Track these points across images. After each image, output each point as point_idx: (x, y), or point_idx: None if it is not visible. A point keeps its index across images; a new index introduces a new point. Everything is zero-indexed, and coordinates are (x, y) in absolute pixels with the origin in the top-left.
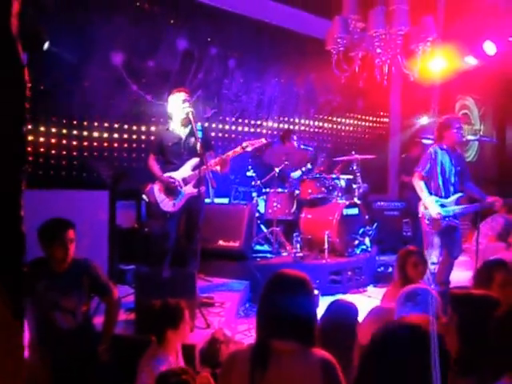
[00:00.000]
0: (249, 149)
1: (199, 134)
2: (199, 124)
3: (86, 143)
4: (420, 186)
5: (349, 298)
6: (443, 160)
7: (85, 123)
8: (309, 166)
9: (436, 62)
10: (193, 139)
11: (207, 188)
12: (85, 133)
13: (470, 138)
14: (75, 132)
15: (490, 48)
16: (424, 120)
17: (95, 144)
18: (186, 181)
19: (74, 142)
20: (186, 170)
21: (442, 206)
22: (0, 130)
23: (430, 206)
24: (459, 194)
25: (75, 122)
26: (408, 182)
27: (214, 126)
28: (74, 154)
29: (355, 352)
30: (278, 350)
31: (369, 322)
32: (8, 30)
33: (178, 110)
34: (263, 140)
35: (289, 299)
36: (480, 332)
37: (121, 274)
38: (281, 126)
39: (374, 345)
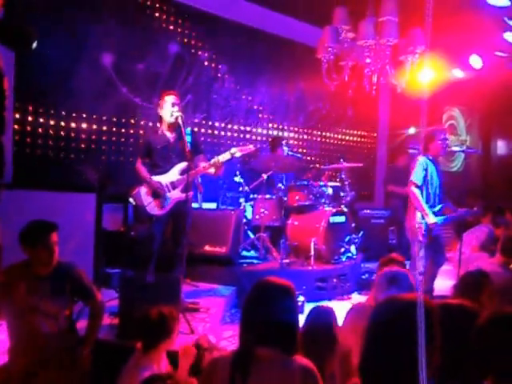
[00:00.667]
0: (237, 155)
1: (188, 139)
2: (188, 128)
3: (73, 144)
4: (416, 194)
5: (334, 304)
6: (432, 171)
7: (72, 124)
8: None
9: (424, 74)
10: (181, 143)
11: (195, 193)
12: (72, 134)
13: (455, 149)
14: (62, 133)
15: (476, 62)
16: (411, 130)
17: (82, 146)
18: (174, 185)
19: (62, 144)
20: (174, 174)
21: (435, 215)
22: None
23: (428, 214)
24: (441, 205)
25: (63, 124)
26: (394, 191)
27: (203, 130)
28: (61, 155)
29: (336, 357)
30: (259, 357)
31: (349, 320)
32: None
33: (167, 114)
34: (251, 147)
35: (272, 307)
36: (459, 341)
37: (106, 278)
38: (270, 132)
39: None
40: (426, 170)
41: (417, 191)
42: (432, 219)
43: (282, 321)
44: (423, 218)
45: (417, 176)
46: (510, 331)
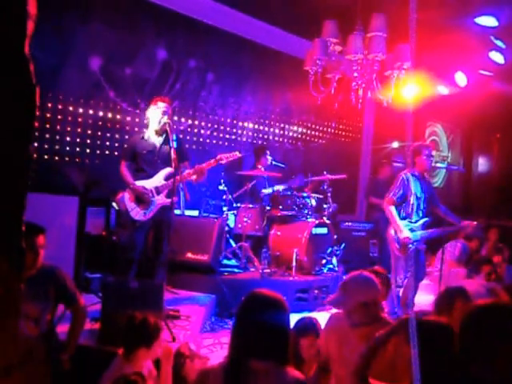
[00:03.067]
0: (223, 162)
1: (174, 145)
2: (174, 135)
3: (57, 147)
4: (391, 211)
5: (315, 315)
6: (415, 186)
7: (58, 127)
8: (280, 187)
9: (409, 89)
10: (167, 148)
11: (179, 199)
12: (57, 136)
13: (439, 165)
14: (47, 135)
15: (461, 79)
16: (395, 144)
17: (67, 148)
18: (158, 190)
19: (46, 146)
20: (158, 179)
21: (412, 230)
22: (9, 147)
23: (401, 230)
24: (426, 219)
25: (48, 126)
26: (376, 203)
27: (188, 138)
28: (45, 157)
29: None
30: (251, 370)
31: (329, 327)
32: (23, 51)
33: (155, 119)
34: (237, 153)
35: (264, 319)
36: (436, 356)
37: (86, 282)
38: (255, 142)
39: None
40: (406, 186)
41: (391, 208)
42: (405, 234)
43: (273, 333)
44: (396, 232)
45: (394, 193)
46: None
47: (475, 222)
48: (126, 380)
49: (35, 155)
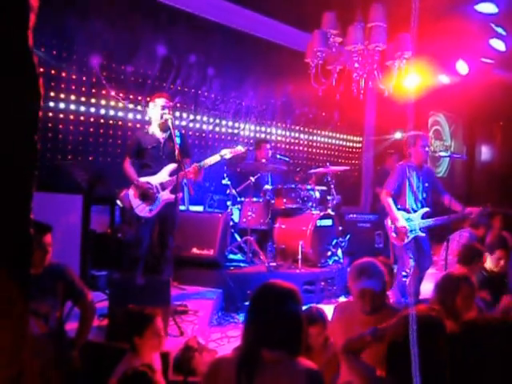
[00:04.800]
0: (227, 156)
1: (177, 140)
2: (177, 131)
3: (60, 146)
4: (388, 202)
5: (322, 307)
6: (411, 177)
7: (60, 126)
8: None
9: (410, 79)
10: (171, 144)
11: (183, 195)
12: (59, 135)
13: (442, 154)
14: (50, 134)
15: (462, 68)
16: (398, 135)
17: (69, 147)
18: (163, 186)
19: (48, 145)
20: (163, 176)
21: (408, 220)
22: (14, 138)
23: (397, 219)
24: (425, 209)
25: (50, 125)
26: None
27: (190, 133)
28: (48, 156)
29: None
30: (264, 359)
31: (336, 317)
32: (26, 42)
33: (157, 115)
34: (241, 148)
35: (278, 309)
36: (426, 349)
37: (93, 280)
38: (257, 135)
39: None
40: (402, 176)
41: (388, 198)
42: (401, 223)
43: (287, 323)
44: (392, 222)
45: (390, 184)
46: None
47: (479, 208)
48: (135, 371)
49: (38, 155)
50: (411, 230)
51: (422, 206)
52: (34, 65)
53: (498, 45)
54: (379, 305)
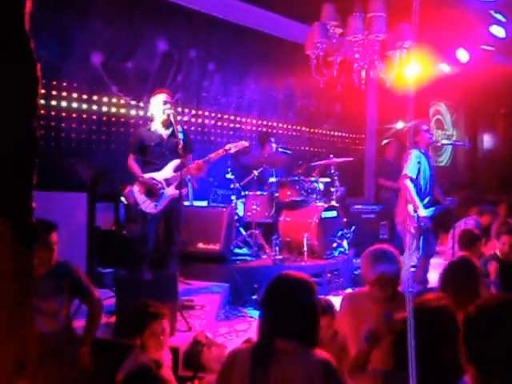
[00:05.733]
0: (232, 151)
1: (180, 136)
2: (179, 127)
3: (63, 144)
4: (410, 188)
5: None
6: (424, 163)
7: (63, 125)
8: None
9: (411, 69)
10: (175, 140)
11: (187, 190)
12: (62, 134)
13: (445, 142)
14: (53, 133)
15: (462, 56)
16: (400, 125)
17: (73, 145)
18: (168, 182)
19: (52, 143)
20: (167, 171)
21: (425, 207)
22: (14, 124)
23: (420, 208)
24: (429, 197)
25: (53, 123)
26: (384, 184)
27: (193, 128)
28: (52, 155)
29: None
30: (280, 350)
31: (344, 308)
32: (22, 28)
33: (159, 111)
34: (245, 143)
35: (293, 300)
36: (435, 339)
37: (99, 277)
38: (260, 129)
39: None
40: (419, 162)
41: (410, 184)
42: (423, 212)
43: (302, 314)
44: (415, 210)
45: (411, 169)
46: (494, 321)
47: (455, 197)
48: (140, 367)
49: (41, 154)
50: (427, 218)
51: (428, 194)
52: (32, 50)
53: (498, 31)
54: (394, 292)
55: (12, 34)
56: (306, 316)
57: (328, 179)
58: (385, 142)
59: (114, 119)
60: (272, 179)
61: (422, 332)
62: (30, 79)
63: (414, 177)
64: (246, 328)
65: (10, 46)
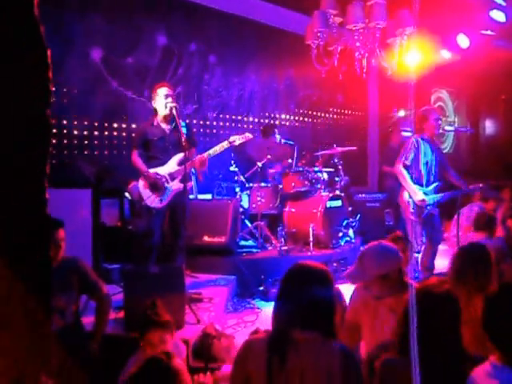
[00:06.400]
0: (236, 143)
1: (183, 130)
2: (182, 121)
3: (65, 141)
4: (403, 174)
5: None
6: (425, 150)
7: (64, 122)
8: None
9: (412, 56)
10: (177, 134)
11: (191, 184)
12: (64, 130)
13: (448, 128)
14: (54, 130)
15: (463, 41)
16: (401, 113)
17: (75, 142)
18: (172, 176)
19: (54, 141)
20: (171, 165)
21: (425, 194)
22: (26, 112)
23: (416, 192)
24: (437, 183)
25: (54, 121)
26: (388, 171)
27: (195, 121)
28: (54, 152)
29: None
30: (297, 340)
31: (357, 297)
32: (32, 13)
33: (161, 105)
34: (249, 135)
35: (310, 290)
36: (440, 324)
37: (106, 273)
38: (261, 121)
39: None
40: (416, 149)
41: (403, 170)
42: (420, 196)
43: (319, 304)
44: (410, 196)
45: (405, 156)
46: None
47: (481, 184)
48: (151, 358)
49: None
50: (427, 205)
51: (434, 180)
52: (42, 36)
53: (498, 16)
54: (397, 287)
55: (21, 19)
56: (322, 306)
57: (332, 169)
58: (389, 129)
59: (115, 114)
60: (271, 170)
61: (426, 317)
62: (42, 64)
63: (408, 163)
64: (254, 319)
65: (21, 32)
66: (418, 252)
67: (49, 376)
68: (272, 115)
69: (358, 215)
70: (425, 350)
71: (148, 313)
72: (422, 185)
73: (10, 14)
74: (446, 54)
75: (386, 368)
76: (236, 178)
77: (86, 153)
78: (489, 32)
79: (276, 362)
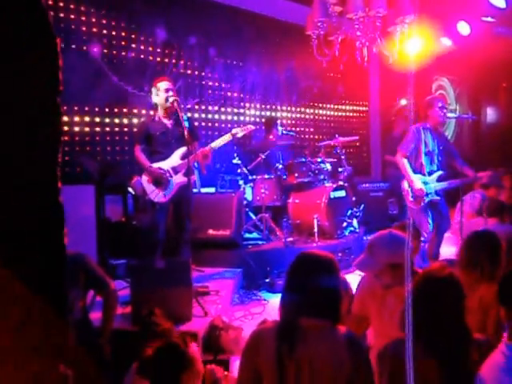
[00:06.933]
0: (239, 135)
1: (185, 124)
2: (184, 114)
3: (67, 138)
4: (404, 163)
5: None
6: (426, 139)
7: (65, 118)
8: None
9: (413, 44)
10: (179, 128)
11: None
12: (65, 127)
13: (450, 115)
14: None
15: (464, 28)
16: (403, 101)
17: (77, 138)
18: (175, 170)
19: None
20: (174, 159)
21: (425, 183)
22: (36, 100)
23: (414, 182)
24: (440, 172)
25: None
26: (390, 161)
27: (196, 115)
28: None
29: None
30: (305, 327)
31: (362, 289)
32: (40, 1)
33: (162, 100)
34: (252, 126)
35: (317, 278)
36: (443, 307)
37: (111, 269)
38: (263, 113)
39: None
40: (417, 139)
41: (403, 160)
42: (418, 185)
43: (326, 292)
44: (409, 185)
45: (405, 145)
46: None
47: (489, 172)
48: (169, 343)
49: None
50: (427, 193)
51: (438, 169)
52: (51, 25)
53: (499, 2)
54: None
55: (30, 7)
56: (328, 293)
57: (335, 159)
58: (392, 118)
59: (116, 110)
60: (279, 165)
61: (429, 301)
62: (52, 55)
63: (407, 153)
64: (260, 311)
65: (30, 20)
66: (425, 241)
67: (67, 366)
68: (274, 107)
69: (362, 205)
70: (429, 334)
71: (146, 323)
72: (423, 174)
73: (19, 1)
74: (446, 42)
75: (394, 351)
76: (239, 170)
77: (87, 149)
78: (489, 19)
79: (285, 350)
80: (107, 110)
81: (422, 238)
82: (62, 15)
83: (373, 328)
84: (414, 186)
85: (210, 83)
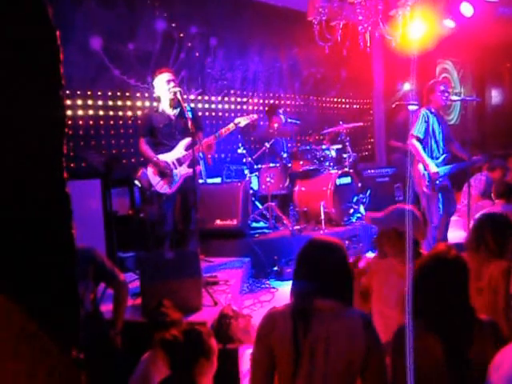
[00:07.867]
0: (242, 124)
1: (189, 114)
2: (187, 105)
3: (71, 132)
4: (417, 146)
5: None
6: (433, 123)
7: (69, 112)
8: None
9: (416, 27)
10: (183, 119)
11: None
12: (69, 121)
13: (454, 98)
14: None
15: (467, 9)
16: (407, 86)
17: (80, 132)
18: (180, 161)
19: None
20: (179, 151)
21: (437, 166)
22: (38, 94)
23: (430, 166)
24: (445, 155)
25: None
26: (397, 146)
27: (199, 106)
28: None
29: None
30: (319, 308)
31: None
32: None
33: (164, 91)
34: (255, 116)
35: (326, 260)
36: (450, 288)
37: (120, 262)
38: (266, 101)
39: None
40: (427, 122)
41: (417, 144)
42: (434, 169)
43: (336, 273)
44: (425, 169)
45: (418, 129)
46: None
47: (484, 155)
48: (194, 329)
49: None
50: (440, 176)
51: (443, 153)
52: (50, 17)
53: None
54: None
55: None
56: (339, 274)
57: (339, 146)
58: (395, 104)
59: (119, 103)
60: (284, 153)
61: (435, 282)
62: (52, 48)
63: (421, 136)
64: (270, 298)
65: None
66: (436, 227)
67: (79, 351)
68: (277, 95)
69: (368, 191)
70: (434, 313)
71: (155, 314)
72: (432, 157)
73: None
74: (449, 24)
75: (399, 331)
76: (244, 160)
77: (92, 143)
78: None
79: (301, 331)
80: (111, 103)
81: (434, 224)
82: (61, 8)
83: (374, 303)
84: (430, 170)
85: (213, 73)
